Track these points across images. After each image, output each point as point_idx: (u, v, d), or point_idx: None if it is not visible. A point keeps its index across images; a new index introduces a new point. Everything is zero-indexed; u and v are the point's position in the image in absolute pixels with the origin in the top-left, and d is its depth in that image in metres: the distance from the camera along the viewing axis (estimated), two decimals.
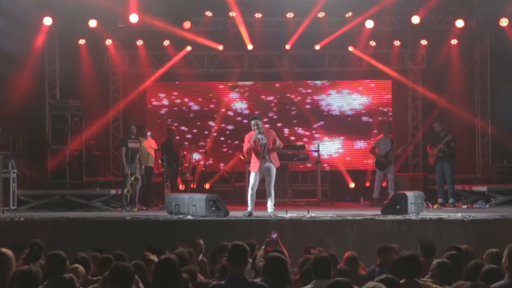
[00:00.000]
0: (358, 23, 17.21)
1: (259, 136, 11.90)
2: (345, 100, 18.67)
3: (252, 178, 12.09)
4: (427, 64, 18.27)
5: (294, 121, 18.65)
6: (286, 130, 18.48)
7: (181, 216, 12.18)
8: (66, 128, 16.03)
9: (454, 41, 17.94)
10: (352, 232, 11.39)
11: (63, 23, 17.01)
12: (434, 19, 17.61)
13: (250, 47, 17.74)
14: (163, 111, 18.70)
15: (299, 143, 17.67)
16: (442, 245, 8.46)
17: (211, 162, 17.41)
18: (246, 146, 12.09)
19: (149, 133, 15.98)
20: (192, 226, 11.56)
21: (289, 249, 9.21)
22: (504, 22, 16.68)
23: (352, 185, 17.95)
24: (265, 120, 16.49)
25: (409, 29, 17.60)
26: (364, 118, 18.65)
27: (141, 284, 6.14)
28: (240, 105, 18.73)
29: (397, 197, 12.43)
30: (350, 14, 17.34)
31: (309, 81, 18.74)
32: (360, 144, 18.61)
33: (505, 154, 17.43)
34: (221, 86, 18.75)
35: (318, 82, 18.71)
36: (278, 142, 12.13)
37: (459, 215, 11.77)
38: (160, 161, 15.13)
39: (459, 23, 17.16)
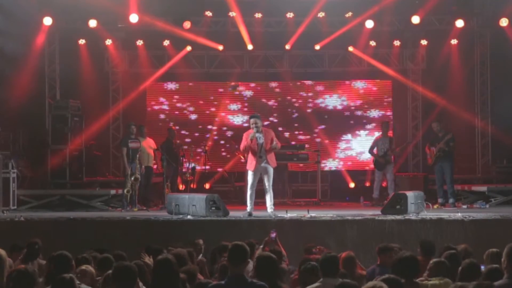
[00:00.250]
0: (358, 23, 17.19)
1: (257, 135, 11.92)
2: (345, 100, 18.65)
3: (250, 178, 12.12)
4: (427, 64, 18.26)
5: (296, 124, 18.59)
6: (286, 134, 18.36)
7: (181, 216, 12.19)
8: (66, 128, 16.04)
9: (454, 41, 17.93)
10: (352, 232, 11.40)
11: (63, 23, 17.00)
12: (434, 19, 17.59)
13: (250, 47, 17.73)
14: (163, 115, 18.60)
15: (299, 143, 17.66)
16: (442, 245, 8.45)
17: (208, 167, 17.21)
18: (243, 143, 12.12)
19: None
20: (192, 226, 11.57)
21: (289, 249, 9.22)
22: (504, 22, 16.65)
23: (352, 185, 17.96)
24: (266, 123, 16.43)
25: (409, 29, 17.60)
26: (364, 118, 18.63)
27: (141, 284, 6.14)
28: (240, 108, 18.65)
29: (397, 197, 12.45)
30: (350, 14, 17.33)
31: (309, 81, 18.72)
32: (360, 144, 18.58)
33: (505, 154, 17.42)
34: (221, 90, 18.67)
35: (318, 82, 18.70)
36: (275, 142, 12.13)
37: (459, 215, 11.78)
38: (160, 161, 15.13)
39: (459, 23, 17.14)
